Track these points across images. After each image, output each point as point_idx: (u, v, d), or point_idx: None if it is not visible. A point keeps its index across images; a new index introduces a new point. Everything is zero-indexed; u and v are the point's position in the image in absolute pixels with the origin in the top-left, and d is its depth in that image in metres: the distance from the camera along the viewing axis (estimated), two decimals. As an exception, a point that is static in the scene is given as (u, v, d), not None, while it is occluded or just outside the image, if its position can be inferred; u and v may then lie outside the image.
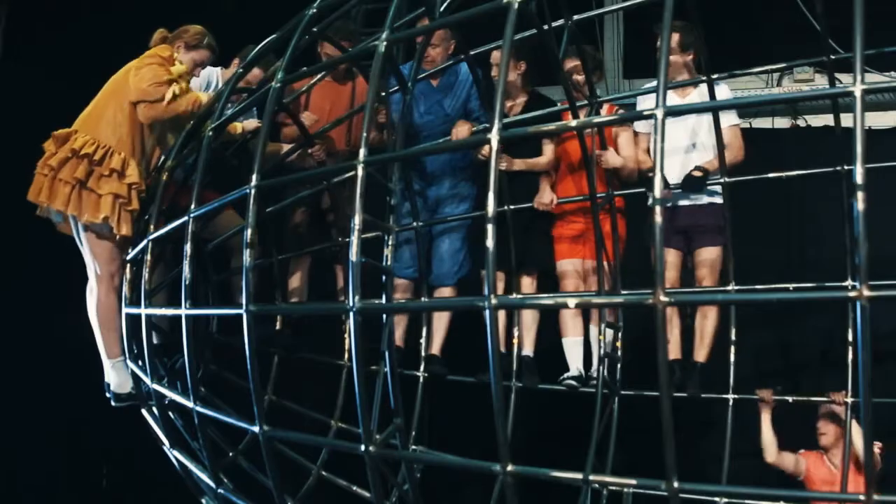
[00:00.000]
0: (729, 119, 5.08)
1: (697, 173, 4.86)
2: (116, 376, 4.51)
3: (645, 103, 5.12)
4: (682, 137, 4.98)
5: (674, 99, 4.99)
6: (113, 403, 4.58)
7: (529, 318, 5.21)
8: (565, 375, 5.09)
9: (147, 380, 4.36)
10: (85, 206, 4.26)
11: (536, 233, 5.17)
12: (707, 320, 5.06)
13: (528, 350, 5.21)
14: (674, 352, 5.06)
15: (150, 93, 4.33)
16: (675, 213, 5.00)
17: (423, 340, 5.34)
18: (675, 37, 4.98)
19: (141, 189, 4.37)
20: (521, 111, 5.10)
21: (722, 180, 5.04)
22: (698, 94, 5.03)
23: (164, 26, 4.62)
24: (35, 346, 6.33)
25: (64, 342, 5.61)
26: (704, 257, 5.05)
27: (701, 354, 5.06)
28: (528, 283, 5.22)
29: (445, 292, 5.23)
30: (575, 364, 5.11)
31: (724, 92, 5.05)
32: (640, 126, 5.17)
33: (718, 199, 5.07)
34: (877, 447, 4.96)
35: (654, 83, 5.17)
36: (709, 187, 4.97)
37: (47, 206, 4.36)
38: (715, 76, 4.90)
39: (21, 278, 6.11)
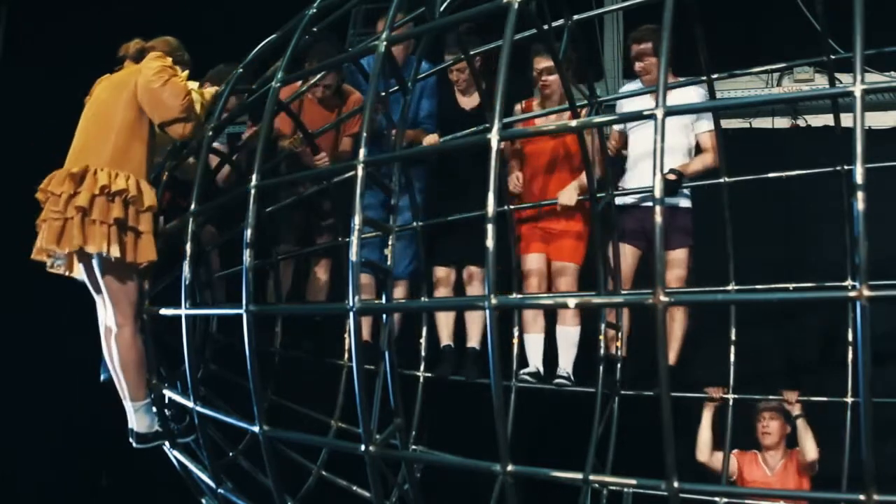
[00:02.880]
0: (703, 124, 5.10)
1: (671, 177, 4.84)
2: (141, 419, 4.23)
3: (626, 106, 5.16)
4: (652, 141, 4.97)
5: (649, 103, 5.00)
6: (136, 445, 4.29)
7: (477, 313, 5.20)
8: (523, 371, 5.13)
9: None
10: (129, 248, 3.96)
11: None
12: (675, 323, 5.06)
13: (473, 342, 5.24)
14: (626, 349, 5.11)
15: (182, 109, 4.06)
16: (641, 214, 5.02)
17: (423, 340, 5.35)
18: (649, 45, 5.01)
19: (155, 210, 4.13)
20: (478, 107, 5.15)
21: (722, 180, 5.05)
22: (673, 98, 5.02)
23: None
24: (36, 346, 6.33)
25: (65, 342, 5.62)
26: (669, 259, 5.04)
27: (669, 357, 5.06)
28: (477, 279, 5.26)
29: (399, 287, 5.25)
30: (534, 360, 5.15)
31: (695, 95, 5.04)
32: (616, 126, 5.23)
33: (686, 203, 5.09)
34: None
35: (630, 86, 5.29)
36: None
37: (70, 252, 3.99)
38: (715, 76, 4.90)
39: (21, 277, 6.11)
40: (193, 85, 4.32)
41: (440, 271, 5.33)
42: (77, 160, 4.03)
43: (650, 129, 4.85)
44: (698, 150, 5.19)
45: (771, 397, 5.23)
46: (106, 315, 4.19)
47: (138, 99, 4.11)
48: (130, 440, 4.32)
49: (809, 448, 5.06)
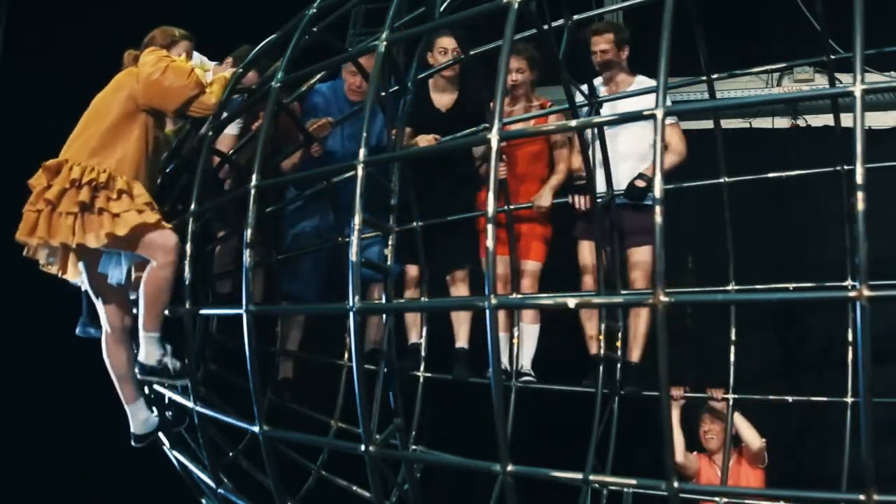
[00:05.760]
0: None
1: (640, 183, 4.86)
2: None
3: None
4: (625, 143, 5.00)
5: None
6: (135, 444, 4.34)
7: (463, 313, 5.24)
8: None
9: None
10: (95, 227, 3.85)
11: (461, 231, 5.22)
12: (639, 319, 5.08)
13: (462, 343, 5.24)
14: (596, 347, 5.10)
15: (192, 86, 4.06)
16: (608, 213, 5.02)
17: (422, 340, 5.35)
18: (610, 35, 5.03)
19: (155, 207, 4.01)
20: (453, 106, 5.18)
21: (722, 180, 5.04)
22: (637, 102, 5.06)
23: (166, 25, 4.55)
24: (38, 345, 6.33)
25: (67, 341, 5.60)
26: (636, 259, 5.07)
27: (635, 354, 5.09)
28: (461, 280, 5.26)
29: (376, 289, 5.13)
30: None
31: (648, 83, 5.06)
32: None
33: (651, 201, 5.08)
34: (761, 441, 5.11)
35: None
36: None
37: (40, 244, 3.98)
38: (715, 76, 4.90)
39: (21, 277, 6.11)
40: (197, 60, 4.33)
41: (411, 269, 5.31)
42: (62, 153, 4.04)
43: (615, 133, 4.92)
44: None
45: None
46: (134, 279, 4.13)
47: (147, 98, 4.08)
48: (133, 439, 4.33)
49: (752, 438, 5.11)
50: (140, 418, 4.30)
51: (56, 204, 3.88)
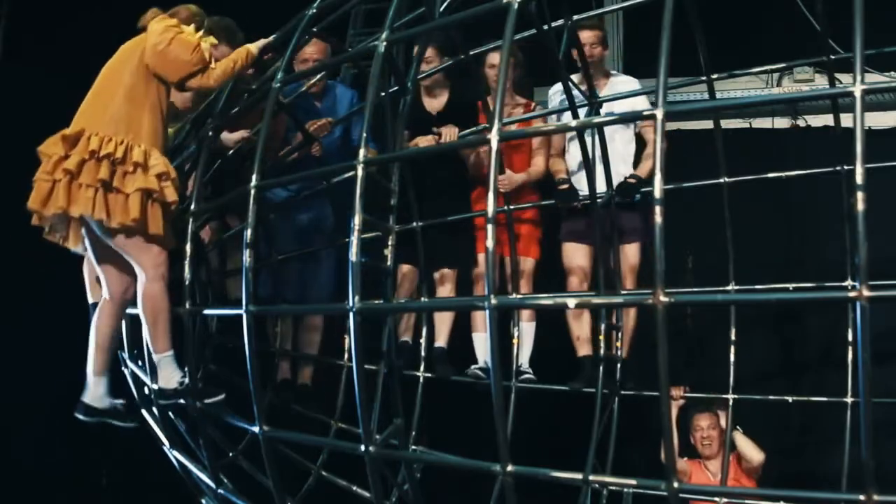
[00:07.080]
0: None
1: (632, 181, 4.89)
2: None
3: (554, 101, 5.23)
4: (611, 144, 4.98)
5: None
6: (78, 414, 4.25)
7: (446, 313, 5.26)
8: (472, 367, 5.17)
9: (147, 380, 4.36)
10: (113, 209, 3.87)
11: (455, 230, 5.22)
12: (627, 316, 5.09)
13: (441, 342, 5.25)
14: (584, 348, 5.13)
15: (195, 62, 4.02)
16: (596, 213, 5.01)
17: (422, 340, 5.35)
18: (599, 32, 5.09)
19: (170, 177, 3.99)
20: (444, 109, 5.18)
21: (722, 180, 5.04)
22: (610, 90, 5.10)
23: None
24: (36, 344, 6.33)
25: (66, 340, 5.61)
26: (625, 258, 5.07)
27: (622, 351, 5.11)
28: (450, 280, 5.27)
29: None
30: (483, 358, 5.16)
31: (633, 83, 5.09)
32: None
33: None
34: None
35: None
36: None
37: (55, 214, 3.96)
38: (715, 76, 4.90)
39: (20, 276, 6.11)
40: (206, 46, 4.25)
41: (405, 267, 5.28)
42: (76, 122, 4.02)
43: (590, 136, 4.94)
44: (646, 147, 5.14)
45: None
46: (112, 285, 4.12)
47: (151, 66, 4.06)
48: (81, 407, 4.23)
49: (753, 454, 5.09)
50: (98, 392, 4.18)
51: (76, 175, 3.87)
